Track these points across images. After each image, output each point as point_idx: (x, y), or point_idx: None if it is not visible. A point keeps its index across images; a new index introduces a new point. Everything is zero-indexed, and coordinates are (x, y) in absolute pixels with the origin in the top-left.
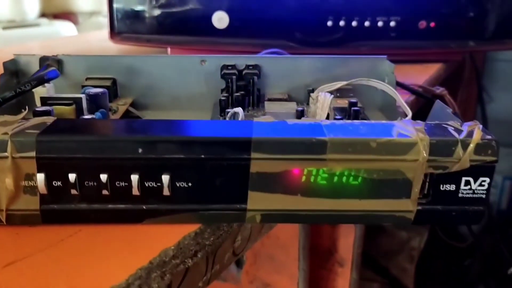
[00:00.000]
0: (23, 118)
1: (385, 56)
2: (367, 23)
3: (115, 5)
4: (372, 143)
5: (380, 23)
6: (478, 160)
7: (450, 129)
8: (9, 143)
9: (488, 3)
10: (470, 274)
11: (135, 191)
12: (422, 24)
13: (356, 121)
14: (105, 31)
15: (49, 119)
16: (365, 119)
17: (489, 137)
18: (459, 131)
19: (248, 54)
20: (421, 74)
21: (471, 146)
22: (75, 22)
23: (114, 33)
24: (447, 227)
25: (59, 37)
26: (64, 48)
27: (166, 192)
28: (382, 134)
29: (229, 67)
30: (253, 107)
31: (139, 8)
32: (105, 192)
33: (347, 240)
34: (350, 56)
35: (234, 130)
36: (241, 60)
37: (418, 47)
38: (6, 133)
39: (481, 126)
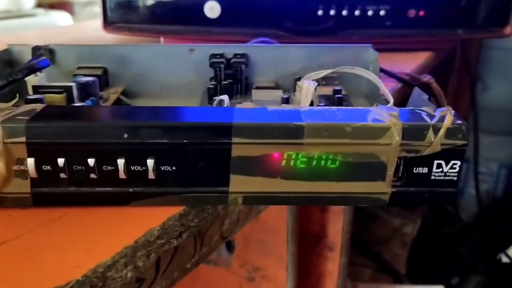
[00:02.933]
0: (14, 105)
1: (370, 45)
2: (357, 12)
3: None
4: (347, 127)
5: (370, 12)
6: (449, 144)
7: (423, 114)
8: (0, 129)
9: None
10: (462, 261)
11: (122, 175)
12: (411, 12)
13: (333, 107)
14: (99, 21)
15: (39, 106)
16: (349, 106)
17: (459, 121)
18: (431, 116)
19: (239, 43)
20: (410, 62)
21: (442, 130)
22: (71, 12)
23: (107, 23)
24: (439, 214)
25: (54, 27)
26: (59, 37)
27: (151, 175)
28: (357, 119)
29: (218, 56)
30: (241, 95)
31: None
32: (92, 175)
33: (336, 225)
34: (336, 45)
35: (216, 116)
36: (229, 49)
37: (408, 36)
38: None
39: (453, 111)
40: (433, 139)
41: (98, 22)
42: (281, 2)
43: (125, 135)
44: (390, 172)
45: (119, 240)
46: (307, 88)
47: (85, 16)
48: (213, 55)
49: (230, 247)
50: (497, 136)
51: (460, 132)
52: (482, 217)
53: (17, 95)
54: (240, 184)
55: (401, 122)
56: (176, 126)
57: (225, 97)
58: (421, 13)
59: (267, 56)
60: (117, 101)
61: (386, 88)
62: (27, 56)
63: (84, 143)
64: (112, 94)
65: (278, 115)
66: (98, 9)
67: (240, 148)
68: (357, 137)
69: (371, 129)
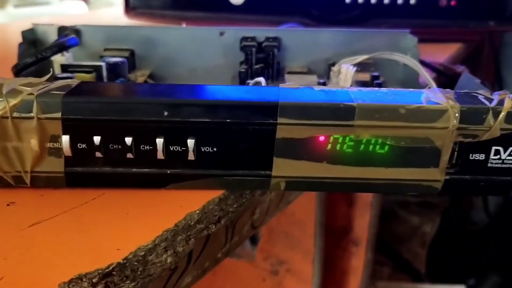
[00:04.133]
0: (47, 81)
1: (408, 30)
2: (386, 0)
3: None
4: (401, 109)
5: (399, 1)
6: (509, 129)
7: (481, 97)
8: (35, 103)
9: None
10: (483, 260)
11: (160, 155)
12: (443, 2)
13: (383, 89)
14: (116, 9)
15: (74, 82)
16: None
17: None
18: (489, 100)
19: None
20: (440, 53)
21: (502, 114)
22: (85, 0)
23: (129, 8)
24: (461, 212)
25: (70, 15)
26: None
27: (191, 156)
28: (411, 101)
29: (249, 39)
30: (272, 80)
31: None
32: (129, 155)
33: (363, 220)
34: (371, 29)
35: (260, 95)
36: (261, 33)
37: (438, 26)
38: (31, 94)
39: (511, 95)
40: (492, 123)
41: (114, 9)
42: None
43: (165, 113)
44: (445, 158)
45: (159, 223)
46: (345, 72)
47: (99, 4)
48: (244, 39)
49: (254, 239)
50: None
51: None
52: (504, 214)
53: (51, 69)
54: (283, 168)
55: (458, 105)
56: (219, 105)
57: (261, 79)
58: (453, 2)
59: (299, 40)
60: None
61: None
62: (53, 36)
63: (122, 120)
64: (139, 77)
65: (326, 95)
66: None
67: (286, 129)
68: (411, 120)
69: (427, 112)
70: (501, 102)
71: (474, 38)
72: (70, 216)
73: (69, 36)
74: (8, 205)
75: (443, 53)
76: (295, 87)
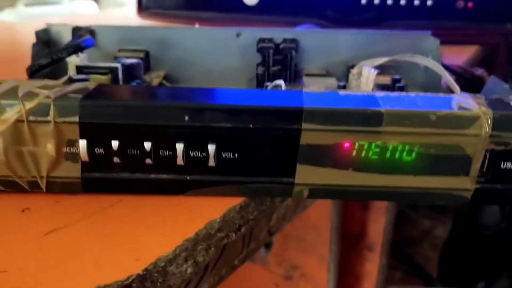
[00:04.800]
0: (64, 83)
1: (429, 32)
2: (402, 2)
3: None
4: (432, 115)
5: (416, 2)
6: None
7: None
8: (51, 107)
9: None
10: (494, 264)
11: (180, 161)
12: (460, 3)
13: (411, 93)
14: (126, 9)
15: (91, 84)
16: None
17: None
18: None
19: None
20: (457, 56)
21: None
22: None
23: (142, 8)
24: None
25: (82, 15)
26: (89, 22)
27: (211, 162)
28: (441, 106)
29: (266, 41)
30: (290, 82)
31: None
32: (148, 161)
33: (377, 225)
34: (391, 31)
35: (284, 99)
36: (278, 34)
37: (454, 28)
38: (49, 97)
39: None
40: None
41: (125, 9)
42: None
43: (186, 118)
44: (476, 167)
45: (179, 232)
46: (367, 76)
47: (110, 3)
48: (261, 40)
49: (267, 244)
50: None
51: None
52: None
53: (68, 71)
54: (306, 175)
55: (491, 111)
56: (241, 110)
57: (281, 82)
58: (470, 4)
59: (317, 41)
60: (160, 86)
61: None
62: (67, 36)
63: (141, 125)
64: (154, 78)
65: (352, 100)
66: None
67: (310, 135)
68: (442, 127)
69: (458, 118)
70: None
71: (491, 40)
72: (87, 224)
73: (84, 37)
74: (23, 211)
75: (460, 55)
76: (319, 92)
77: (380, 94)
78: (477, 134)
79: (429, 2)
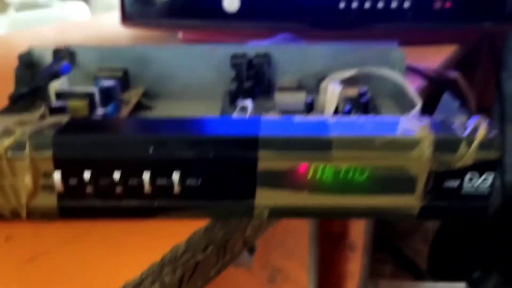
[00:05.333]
0: (40, 115)
1: (396, 44)
2: (380, 5)
3: None
4: (377, 141)
5: (393, 4)
6: (482, 157)
7: (455, 125)
8: (27, 144)
9: None
10: (485, 257)
11: (147, 189)
12: (437, 4)
13: (362, 117)
14: (117, 13)
15: (64, 118)
16: (376, 108)
17: (493, 134)
18: (464, 127)
19: (259, 37)
20: (436, 56)
21: (475, 143)
22: (86, 1)
23: (126, 18)
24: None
25: (72, 21)
26: (77, 34)
27: (176, 189)
28: (387, 131)
29: (239, 56)
30: (264, 95)
31: None
32: (118, 189)
33: (358, 225)
34: (360, 44)
35: (242, 128)
36: (251, 49)
37: (433, 29)
38: (24, 133)
39: (487, 121)
40: (465, 153)
41: (115, 14)
42: None
43: (151, 149)
44: (420, 186)
45: (146, 257)
46: (331, 92)
47: (100, 5)
48: (234, 55)
49: (251, 248)
50: None
51: (494, 144)
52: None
53: (43, 106)
54: (266, 197)
55: (432, 135)
56: (201, 140)
57: (248, 103)
58: (447, 4)
59: (289, 55)
60: (138, 103)
61: (413, 87)
62: (49, 58)
63: (110, 157)
64: (133, 95)
65: (305, 126)
66: None
67: (267, 161)
68: (386, 151)
69: (401, 142)
70: (475, 130)
71: (472, 37)
72: (64, 250)
73: (62, 63)
74: (6, 239)
75: (439, 55)
76: (276, 119)
77: (332, 119)
78: (419, 157)
79: (406, 5)
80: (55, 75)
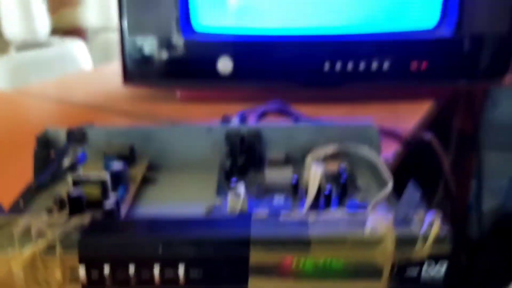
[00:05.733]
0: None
1: (372, 121)
2: (361, 67)
3: (127, 54)
4: (349, 238)
5: (373, 67)
6: (435, 251)
7: (414, 222)
8: (57, 245)
9: (479, 42)
10: (475, 276)
11: (157, 280)
12: (414, 65)
13: (338, 214)
14: (117, 64)
15: (85, 219)
16: (354, 184)
17: (444, 231)
18: (421, 224)
19: (251, 96)
20: (413, 113)
21: (430, 239)
22: (84, 38)
23: (127, 78)
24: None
25: (74, 74)
26: (79, 90)
27: (182, 280)
28: (357, 227)
29: (233, 134)
30: (256, 170)
31: (148, 55)
32: (133, 281)
33: None
34: (340, 123)
35: (235, 229)
36: (244, 128)
37: (410, 87)
38: (54, 236)
39: (440, 217)
40: (422, 247)
41: (116, 65)
42: (290, 60)
43: (160, 249)
44: (385, 275)
45: None
46: (314, 174)
47: (98, 42)
48: (229, 133)
49: None
50: (508, 152)
51: (445, 239)
52: (487, 239)
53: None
54: (257, 284)
55: (394, 234)
56: (203, 242)
57: (241, 192)
58: (423, 65)
59: (278, 133)
60: (144, 178)
61: (386, 159)
62: (62, 137)
63: (126, 254)
64: (139, 171)
65: (289, 226)
66: (111, 35)
67: (257, 257)
68: (357, 246)
69: (369, 240)
70: (430, 226)
71: (447, 93)
72: None
73: (79, 153)
74: None
75: (417, 111)
76: (265, 217)
77: (311, 219)
78: (384, 251)
79: (385, 67)
80: (74, 166)
